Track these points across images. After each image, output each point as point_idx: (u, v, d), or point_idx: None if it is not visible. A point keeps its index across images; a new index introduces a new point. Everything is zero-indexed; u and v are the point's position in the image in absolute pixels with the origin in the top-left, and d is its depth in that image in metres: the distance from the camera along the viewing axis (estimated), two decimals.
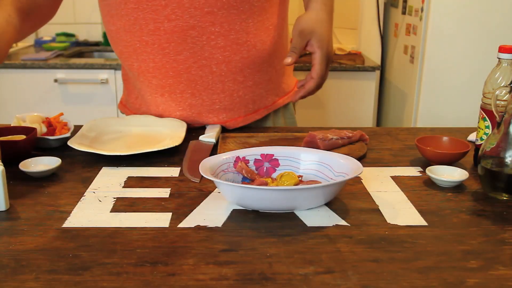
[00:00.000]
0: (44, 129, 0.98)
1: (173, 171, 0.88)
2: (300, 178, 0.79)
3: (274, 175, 0.82)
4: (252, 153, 0.83)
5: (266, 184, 0.77)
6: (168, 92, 1.06)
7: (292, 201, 0.71)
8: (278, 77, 1.16)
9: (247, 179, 0.80)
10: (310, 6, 1.03)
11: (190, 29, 0.99)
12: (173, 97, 1.07)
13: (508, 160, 0.75)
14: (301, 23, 1.00)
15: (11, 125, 0.99)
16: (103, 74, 2.21)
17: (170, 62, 1.02)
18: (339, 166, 0.78)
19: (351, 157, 0.79)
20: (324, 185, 0.71)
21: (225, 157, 0.80)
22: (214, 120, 1.09)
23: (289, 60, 0.99)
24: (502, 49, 0.85)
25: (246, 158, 0.82)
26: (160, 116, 1.10)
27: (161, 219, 0.70)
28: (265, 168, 0.83)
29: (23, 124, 0.99)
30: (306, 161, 0.82)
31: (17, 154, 0.88)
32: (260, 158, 0.82)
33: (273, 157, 0.83)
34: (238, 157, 0.81)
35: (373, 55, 2.56)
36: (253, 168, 0.82)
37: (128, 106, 1.20)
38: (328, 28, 1.01)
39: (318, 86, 1.02)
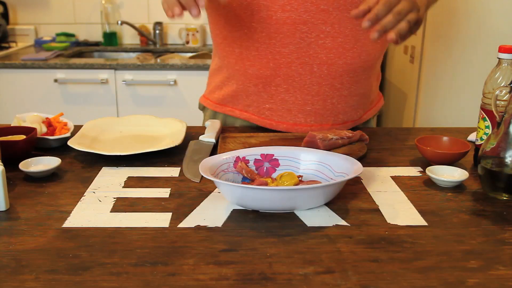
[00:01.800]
0: (44, 129, 0.98)
1: (173, 171, 0.88)
2: (300, 178, 0.79)
3: (274, 175, 0.82)
4: (252, 153, 0.83)
5: (266, 184, 0.77)
6: (263, 84, 1.06)
7: (292, 201, 0.71)
8: (371, 92, 1.14)
9: (247, 179, 0.80)
10: None
11: (302, 24, 0.99)
12: (266, 89, 1.07)
13: (508, 160, 0.75)
14: None
15: (11, 125, 0.99)
16: (103, 74, 2.21)
17: (274, 54, 1.02)
18: (339, 166, 0.78)
19: (351, 157, 0.79)
20: (324, 185, 0.71)
21: (225, 157, 0.80)
22: (301, 120, 1.08)
23: (355, 10, 0.83)
24: (502, 49, 0.85)
25: (246, 158, 0.82)
26: (247, 106, 1.11)
27: (161, 219, 0.70)
28: (265, 168, 0.83)
29: (23, 124, 0.99)
30: (306, 161, 0.82)
31: (17, 154, 0.88)
32: (260, 158, 0.82)
33: (273, 157, 0.83)
34: (238, 157, 0.81)
35: None
36: (253, 168, 0.82)
37: (210, 98, 1.20)
38: None
39: (387, 8, 0.81)
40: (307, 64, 1.02)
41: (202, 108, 1.23)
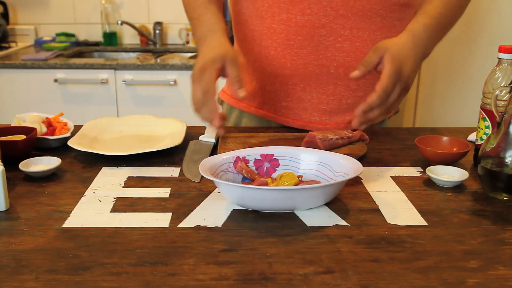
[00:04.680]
0: (44, 129, 0.98)
1: (173, 171, 0.88)
2: (300, 178, 0.79)
3: (274, 175, 0.82)
4: (252, 153, 0.83)
5: (266, 184, 0.77)
6: (280, 82, 1.08)
7: (292, 201, 0.71)
8: None
9: (247, 179, 0.80)
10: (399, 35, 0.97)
11: (321, 27, 1.00)
12: (284, 88, 1.09)
13: (508, 160, 0.75)
14: (380, 42, 0.93)
15: (11, 125, 0.99)
16: (103, 74, 2.21)
17: (292, 55, 1.04)
18: (339, 166, 0.78)
19: (351, 157, 0.79)
20: (324, 185, 0.71)
21: (225, 157, 0.80)
22: (315, 118, 1.10)
23: (355, 73, 0.90)
24: (502, 49, 0.85)
25: (246, 158, 0.82)
26: (263, 104, 1.13)
27: (161, 219, 0.70)
28: (265, 168, 0.83)
29: (23, 124, 0.99)
30: (306, 161, 0.82)
31: (17, 154, 0.88)
32: (260, 158, 0.82)
33: (273, 157, 0.83)
34: (238, 157, 0.81)
35: None
36: (253, 168, 0.82)
37: (228, 92, 1.22)
38: (408, 52, 0.92)
39: (381, 101, 0.87)
40: (324, 65, 1.04)
41: (220, 102, 1.25)
